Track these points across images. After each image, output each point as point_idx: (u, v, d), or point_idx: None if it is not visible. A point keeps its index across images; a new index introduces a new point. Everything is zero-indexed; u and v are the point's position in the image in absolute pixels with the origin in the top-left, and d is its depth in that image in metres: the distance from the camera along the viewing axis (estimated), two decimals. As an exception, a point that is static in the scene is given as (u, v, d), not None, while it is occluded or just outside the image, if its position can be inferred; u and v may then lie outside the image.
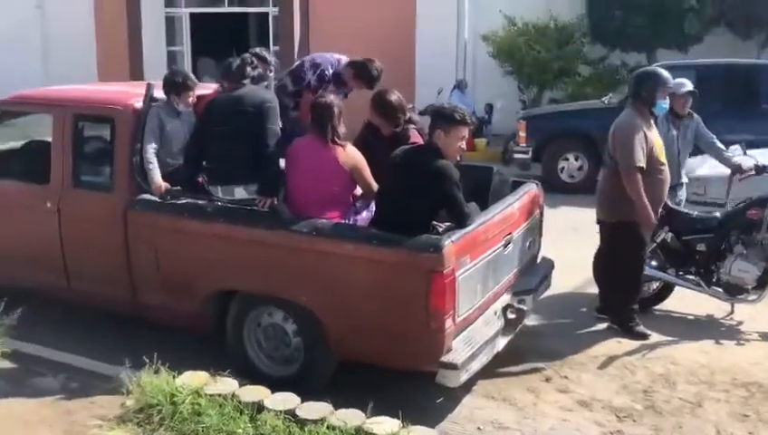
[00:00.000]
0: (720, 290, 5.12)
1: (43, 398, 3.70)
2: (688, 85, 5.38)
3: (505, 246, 4.14)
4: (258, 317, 4.06)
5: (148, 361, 3.53)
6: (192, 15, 15.85)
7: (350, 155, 3.92)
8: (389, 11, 14.94)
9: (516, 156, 10.33)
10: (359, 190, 4.09)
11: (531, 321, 5.07)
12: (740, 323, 5.16)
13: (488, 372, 4.20)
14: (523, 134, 10.32)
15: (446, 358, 3.57)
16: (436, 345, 3.55)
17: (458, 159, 3.97)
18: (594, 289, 5.32)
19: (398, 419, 3.17)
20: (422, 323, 3.52)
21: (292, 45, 14.63)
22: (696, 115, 5.55)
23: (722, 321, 5.22)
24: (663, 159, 4.74)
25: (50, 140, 4.62)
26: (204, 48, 15.60)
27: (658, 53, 13.16)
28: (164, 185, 4.19)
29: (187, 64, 15.57)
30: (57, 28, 16.34)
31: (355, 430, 3.02)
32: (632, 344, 4.76)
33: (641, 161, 4.57)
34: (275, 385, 3.61)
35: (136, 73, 14.27)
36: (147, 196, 4.25)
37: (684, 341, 4.83)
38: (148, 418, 3.28)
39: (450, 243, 3.51)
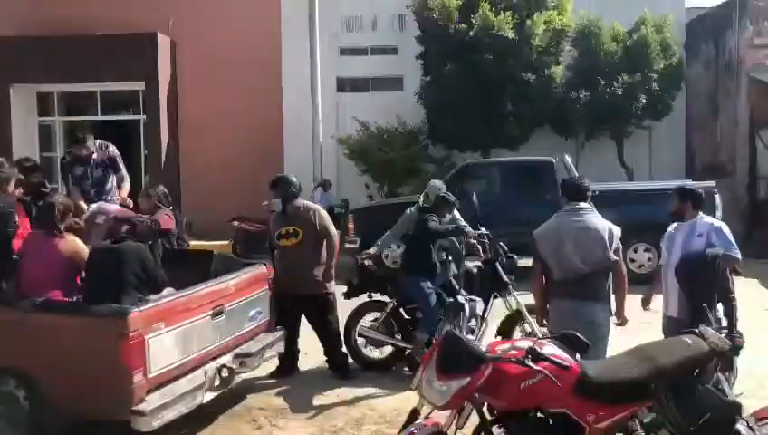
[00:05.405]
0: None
1: None
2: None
3: (215, 316, 5.01)
4: (-4, 387, 4.72)
5: None
6: (67, 122, 16.71)
7: (71, 244, 4.78)
8: (258, 116, 16.19)
9: (347, 245, 11.36)
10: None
11: (269, 380, 5.98)
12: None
13: (208, 422, 5.01)
14: (351, 225, 11.46)
15: (136, 407, 4.34)
16: (128, 397, 4.31)
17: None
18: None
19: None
20: (115, 379, 4.30)
21: (159, 149, 15.64)
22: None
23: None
24: None
25: None
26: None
27: (492, 152, 14.80)
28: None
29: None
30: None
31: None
32: (348, 396, 5.66)
33: None
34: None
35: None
36: None
37: (396, 392, 5.73)
38: None
39: (137, 311, 4.35)
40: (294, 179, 6.18)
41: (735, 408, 2.83)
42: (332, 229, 6.13)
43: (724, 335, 3.15)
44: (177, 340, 4.65)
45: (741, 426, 2.77)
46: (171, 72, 16.14)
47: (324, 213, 6.19)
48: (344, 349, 6.25)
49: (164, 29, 15.76)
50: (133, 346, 4.29)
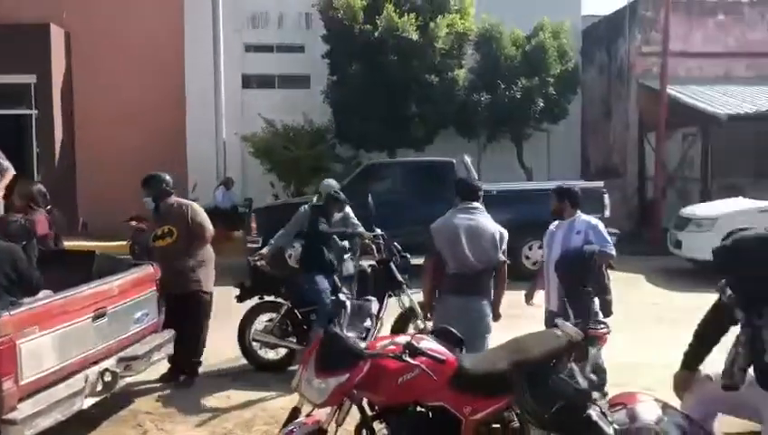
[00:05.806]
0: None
1: None
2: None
3: (96, 318, 4.83)
4: None
5: None
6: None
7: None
8: (159, 112, 15.72)
9: (249, 245, 11.20)
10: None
11: (158, 384, 5.83)
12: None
13: (91, 428, 4.85)
14: (253, 225, 11.31)
15: (7, 416, 4.12)
16: (-4, 405, 4.09)
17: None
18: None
19: None
20: (-17, 387, 4.07)
21: (52, 146, 14.93)
22: (347, 207, 6.67)
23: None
24: None
25: None
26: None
27: (398, 152, 14.95)
28: None
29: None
30: None
31: None
32: (240, 398, 5.58)
33: None
34: None
35: None
36: None
37: (288, 392, 5.66)
38: None
39: (7, 315, 4.12)
40: (168, 177, 6.00)
41: (586, 395, 2.98)
42: (207, 225, 5.96)
43: (579, 327, 3.31)
44: (53, 344, 4.43)
45: (593, 412, 2.93)
46: (66, 65, 15.45)
47: (199, 209, 6.02)
48: (200, 358, 6.10)
49: (57, 20, 15.07)
50: (2, 352, 4.05)
